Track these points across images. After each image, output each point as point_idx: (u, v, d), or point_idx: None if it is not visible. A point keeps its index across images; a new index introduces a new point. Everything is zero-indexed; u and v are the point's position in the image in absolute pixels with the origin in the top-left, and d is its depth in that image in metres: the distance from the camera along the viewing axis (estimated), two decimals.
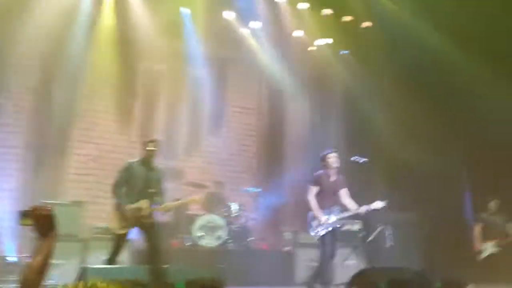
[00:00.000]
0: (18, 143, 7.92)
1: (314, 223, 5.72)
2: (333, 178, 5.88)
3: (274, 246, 8.20)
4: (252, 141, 9.95)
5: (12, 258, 6.70)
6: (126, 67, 8.76)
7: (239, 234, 7.71)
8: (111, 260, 5.28)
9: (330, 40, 10.03)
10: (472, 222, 7.81)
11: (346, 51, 10.16)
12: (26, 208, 2.07)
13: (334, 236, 5.74)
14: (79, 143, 8.42)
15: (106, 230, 6.55)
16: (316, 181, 5.87)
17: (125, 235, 5.39)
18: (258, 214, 8.86)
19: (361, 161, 5.93)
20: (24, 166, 7.84)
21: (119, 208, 5.35)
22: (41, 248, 2.01)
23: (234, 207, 7.83)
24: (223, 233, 7.32)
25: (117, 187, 5.42)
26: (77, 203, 7.01)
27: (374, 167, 6.03)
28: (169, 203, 5.56)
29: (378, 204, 5.70)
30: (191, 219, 7.49)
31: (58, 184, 7.94)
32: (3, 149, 7.77)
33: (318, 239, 5.73)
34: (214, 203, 7.98)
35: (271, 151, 9.85)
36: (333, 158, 5.85)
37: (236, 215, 7.85)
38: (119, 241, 5.36)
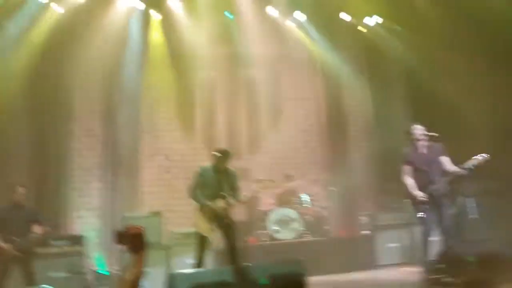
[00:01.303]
0: (93, 164, 8.41)
1: (416, 199, 5.47)
2: (423, 150, 5.64)
3: (352, 232, 8.07)
4: (314, 130, 9.85)
5: (102, 271, 7.10)
6: (182, 78, 9.02)
7: (314, 224, 7.68)
8: (199, 263, 5.45)
9: (379, 19, 9.72)
10: None
11: (398, 27, 9.80)
12: (121, 229, 2.21)
13: (440, 210, 5.46)
14: (148, 157, 8.78)
15: (186, 236, 6.81)
16: (407, 159, 5.68)
17: (209, 237, 5.55)
18: (331, 202, 8.78)
19: (433, 135, 5.64)
20: (102, 185, 8.31)
21: (203, 211, 5.54)
22: (134, 263, 2.13)
23: (305, 198, 7.80)
24: (297, 225, 7.32)
25: (193, 191, 5.64)
26: (156, 213, 7.32)
27: (449, 140, 5.70)
28: (244, 195, 5.66)
29: (474, 160, 5.37)
30: (265, 214, 7.56)
31: (135, 197, 8.35)
32: (81, 172, 8.29)
33: (421, 217, 5.49)
34: (285, 196, 7.99)
35: (335, 137, 9.70)
36: (418, 130, 5.64)
37: (308, 206, 7.82)
38: (204, 244, 5.53)
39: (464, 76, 8.18)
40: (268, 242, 7.37)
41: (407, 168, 5.63)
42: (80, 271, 6.54)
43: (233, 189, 5.66)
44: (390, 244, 7.33)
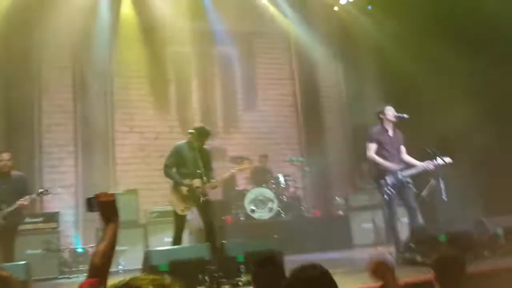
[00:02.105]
0: (67, 141, 8.23)
1: (381, 182, 5.45)
2: (391, 132, 5.63)
3: (327, 212, 8.23)
4: (290, 111, 9.91)
5: (79, 249, 7.04)
6: (154, 54, 8.85)
7: (290, 204, 7.79)
8: (175, 241, 5.43)
9: None
10: None
11: (370, 6, 9.86)
12: (92, 196, 2.15)
13: (404, 192, 5.47)
14: (121, 134, 8.64)
15: (163, 213, 6.80)
16: (374, 138, 5.55)
17: (185, 216, 5.55)
18: (306, 183, 8.91)
19: (403, 117, 5.67)
20: (76, 162, 8.16)
21: (177, 189, 5.49)
22: (105, 233, 2.09)
23: (281, 178, 7.88)
24: (274, 205, 7.41)
25: (169, 169, 5.57)
26: (131, 191, 7.27)
27: (415, 122, 5.77)
28: (220, 177, 5.63)
29: (445, 159, 5.45)
30: (242, 194, 7.62)
31: (109, 175, 8.24)
32: (55, 148, 8.11)
33: (386, 199, 5.46)
34: (261, 176, 8.04)
35: (310, 118, 9.79)
36: (390, 112, 5.58)
37: (284, 186, 7.90)
38: (181, 222, 5.51)
39: (436, 57, 8.31)
40: (245, 221, 7.43)
41: (373, 146, 5.51)
42: (56, 248, 6.46)
43: (208, 168, 5.61)
44: (364, 224, 7.53)
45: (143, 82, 8.93)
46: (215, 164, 8.54)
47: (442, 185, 5.53)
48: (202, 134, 5.62)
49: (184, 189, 5.44)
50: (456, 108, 7.76)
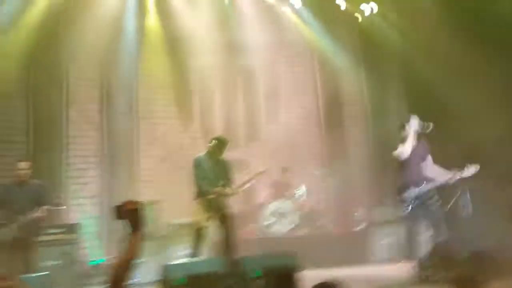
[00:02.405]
0: (91, 152, 8.39)
1: (403, 196, 5.42)
2: (416, 144, 5.54)
3: (346, 227, 8.10)
4: (312, 123, 9.83)
5: (99, 260, 7.12)
6: (179, 66, 8.98)
7: (309, 218, 7.71)
8: (195, 254, 5.48)
9: (374, 6, 9.63)
10: None
11: (394, 16, 9.73)
12: (119, 204, 2.16)
13: (428, 206, 5.42)
14: (146, 146, 8.76)
15: (183, 226, 6.84)
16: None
17: (206, 228, 5.57)
18: (327, 196, 8.80)
19: (429, 128, 5.57)
20: (99, 173, 8.31)
21: (201, 201, 5.55)
22: (129, 243, 2.10)
23: (301, 191, 7.81)
24: (293, 219, 7.34)
25: (198, 179, 5.61)
26: (153, 203, 7.33)
27: (441, 133, 5.64)
28: (238, 185, 5.62)
29: (470, 170, 5.37)
30: (262, 207, 7.57)
31: (132, 187, 8.35)
32: (78, 159, 8.26)
33: (407, 213, 5.44)
34: (282, 189, 8.00)
35: (332, 130, 9.69)
36: (416, 123, 5.54)
37: (304, 200, 7.83)
38: (200, 234, 5.53)
39: (462, 68, 8.12)
40: (263, 235, 7.38)
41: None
42: (75, 259, 6.54)
43: (228, 180, 5.60)
44: (385, 239, 7.37)
45: (167, 93, 9.06)
46: (236, 176, 8.65)
47: (468, 199, 5.36)
48: (221, 143, 5.66)
49: (207, 200, 5.42)
50: (484, 119, 7.56)
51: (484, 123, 7.35)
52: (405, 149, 5.42)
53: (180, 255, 6.34)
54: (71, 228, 6.77)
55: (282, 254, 5.46)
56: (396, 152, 5.47)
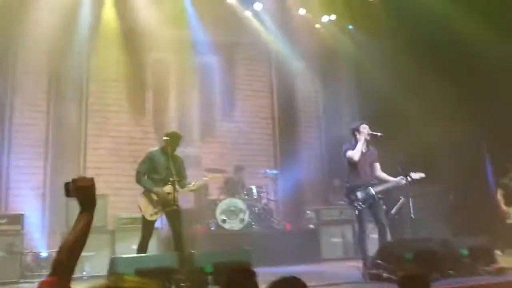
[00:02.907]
0: (37, 142, 8.04)
1: (352, 197, 5.54)
2: (365, 149, 5.66)
3: (297, 226, 8.24)
4: (266, 123, 9.96)
5: (43, 253, 6.84)
6: (134, 59, 8.80)
7: (261, 216, 7.77)
8: (141, 248, 5.33)
9: (333, 17, 9.96)
10: (494, 188, 7.81)
11: (351, 26, 10.08)
12: (71, 180, 2.03)
13: (375, 208, 5.53)
14: (94, 138, 8.50)
15: (132, 220, 6.68)
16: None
17: (153, 222, 5.46)
18: (279, 195, 8.92)
19: (378, 135, 5.77)
20: (45, 164, 7.97)
21: (147, 195, 5.42)
22: (77, 224, 1.93)
23: (254, 190, 7.86)
24: (245, 216, 7.37)
25: (141, 175, 5.50)
26: (101, 196, 7.11)
27: (390, 140, 5.86)
28: (191, 185, 5.57)
29: (417, 175, 5.54)
30: (213, 204, 7.55)
31: None
32: (24, 148, 7.90)
33: (356, 214, 5.57)
34: (234, 187, 8.01)
35: (286, 131, 9.86)
36: (365, 129, 5.65)
37: (256, 198, 7.89)
38: (148, 229, 5.42)
39: (415, 80, 8.52)
40: (215, 231, 7.37)
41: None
42: (19, 251, 6.26)
43: (180, 175, 5.56)
44: (334, 239, 7.56)
45: (120, 87, 8.83)
46: (190, 173, 8.57)
47: (411, 203, 5.60)
48: (174, 139, 5.58)
49: (154, 196, 5.37)
50: (429, 130, 7.96)
51: (432, 134, 7.74)
52: (355, 153, 5.57)
53: (130, 250, 6.18)
54: (16, 219, 6.48)
55: (234, 250, 5.50)
56: (348, 154, 5.62)
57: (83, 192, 1.97)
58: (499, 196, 7.48)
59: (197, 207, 7.91)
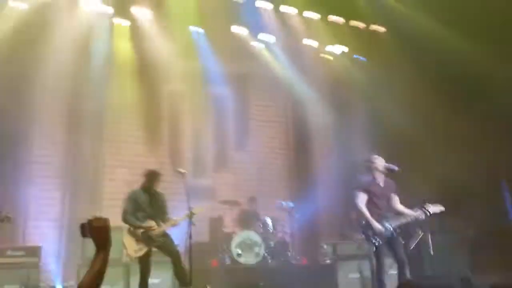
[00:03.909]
0: (55, 173, 8.12)
1: (369, 232, 5.39)
2: (381, 182, 5.54)
3: (314, 260, 8.10)
4: (280, 154, 9.95)
5: (59, 286, 6.80)
6: (149, 91, 8.93)
7: (277, 249, 7.66)
8: (141, 285, 5.49)
9: (345, 48, 10.06)
10: None
11: (362, 57, 10.18)
12: (86, 221, 2.08)
13: (393, 244, 5.40)
14: (111, 169, 8.57)
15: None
16: (364, 187, 5.49)
17: (146, 257, 5.57)
18: (294, 228, 8.81)
19: (395, 169, 5.66)
20: (62, 195, 8.02)
21: (132, 232, 5.63)
22: (94, 263, 2.00)
23: (269, 222, 7.79)
24: (261, 250, 7.29)
25: (126, 215, 5.70)
26: (117, 228, 7.09)
27: (408, 173, 5.77)
28: (173, 219, 5.64)
29: (437, 208, 5.41)
30: (229, 237, 7.49)
31: (95, 210, 8.06)
32: (41, 179, 7.97)
33: (374, 250, 5.40)
34: (249, 219, 7.96)
35: (301, 162, 9.83)
36: (379, 161, 5.54)
37: (272, 231, 7.80)
38: (143, 265, 5.57)
39: (425, 112, 8.50)
40: (230, 265, 7.28)
41: (362, 196, 5.45)
42: (35, 284, 6.25)
43: (162, 211, 5.73)
44: (351, 274, 7.40)
45: (135, 117, 8.94)
46: (203, 203, 8.55)
47: (430, 239, 5.47)
48: (154, 177, 5.80)
49: (139, 231, 5.53)
50: (448, 163, 7.88)
51: (451, 167, 7.65)
52: (360, 206, 5.44)
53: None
54: (33, 251, 6.48)
55: (249, 285, 5.43)
56: (358, 202, 5.47)
57: (98, 233, 2.03)
58: None
59: (211, 240, 7.85)
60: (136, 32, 8.76)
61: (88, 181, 8.23)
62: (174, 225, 5.69)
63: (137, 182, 8.41)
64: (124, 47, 8.78)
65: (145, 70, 8.80)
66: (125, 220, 5.66)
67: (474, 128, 7.93)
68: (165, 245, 5.64)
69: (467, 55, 7.99)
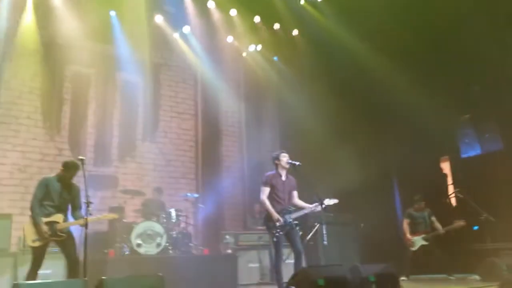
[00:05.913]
0: None
1: (270, 224, 5.69)
2: (284, 178, 5.92)
3: (216, 250, 8.16)
4: (189, 146, 9.88)
5: None
6: (52, 71, 8.39)
7: (179, 240, 7.59)
8: (30, 275, 5.15)
9: (260, 47, 10.31)
10: (401, 218, 8.37)
11: (275, 57, 10.49)
12: None
13: (292, 235, 5.71)
14: (2, 152, 7.91)
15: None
16: (268, 182, 5.82)
17: (41, 248, 5.27)
18: (198, 219, 8.81)
19: (296, 164, 5.97)
20: None
21: (33, 222, 5.28)
22: None
23: (173, 213, 7.70)
24: (162, 240, 7.17)
25: (37, 201, 5.35)
26: (5, 216, 6.61)
27: (306, 170, 6.11)
28: (83, 219, 5.35)
29: (331, 201, 5.80)
30: (129, 227, 7.26)
31: None
32: None
33: (273, 240, 5.70)
34: (153, 209, 7.80)
35: (209, 155, 9.85)
36: (286, 158, 5.88)
37: (175, 221, 7.73)
38: (37, 255, 5.25)
39: (330, 115, 8.95)
40: (129, 256, 7.07)
41: (266, 190, 5.80)
42: None
43: (74, 205, 5.48)
44: (251, 264, 7.58)
45: (35, 99, 8.34)
46: (105, 194, 8.22)
47: (324, 231, 5.81)
48: (72, 168, 5.46)
49: (41, 223, 5.23)
50: (346, 163, 8.37)
51: (348, 167, 8.16)
52: (264, 200, 5.76)
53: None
54: None
55: (148, 275, 5.31)
56: (262, 197, 5.77)
57: None
58: (405, 225, 8.01)
59: (111, 230, 7.56)
60: (43, 8, 8.18)
61: None
62: (81, 225, 5.36)
63: (31, 167, 7.98)
64: (29, 24, 8.15)
65: (50, 50, 8.26)
66: (32, 206, 5.29)
67: (375, 134, 8.55)
68: (66, 244, 5.32)
69: (372, 63, 8.58)
